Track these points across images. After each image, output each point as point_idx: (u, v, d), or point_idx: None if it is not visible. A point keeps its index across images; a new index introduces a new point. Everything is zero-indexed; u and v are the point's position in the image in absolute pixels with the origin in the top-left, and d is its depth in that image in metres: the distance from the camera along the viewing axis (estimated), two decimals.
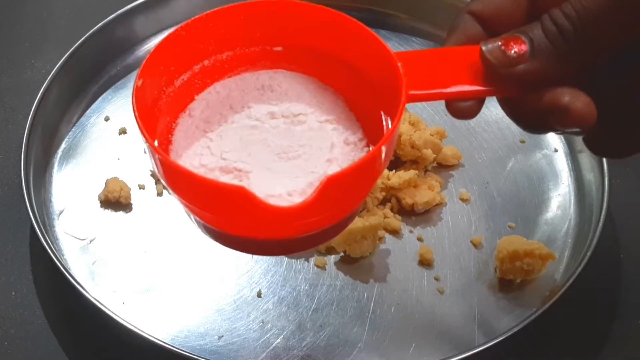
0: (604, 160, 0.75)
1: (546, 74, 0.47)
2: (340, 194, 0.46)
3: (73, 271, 0.69)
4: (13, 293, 0.70)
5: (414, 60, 0.49)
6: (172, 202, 0.75)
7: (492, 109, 0.84)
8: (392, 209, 0.75)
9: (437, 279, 0.71)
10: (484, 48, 0.48)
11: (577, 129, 0.47)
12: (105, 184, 0.75)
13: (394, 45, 0.89)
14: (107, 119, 0.81)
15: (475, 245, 0.73)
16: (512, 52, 0.47)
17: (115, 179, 0.75)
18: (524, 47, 0.47)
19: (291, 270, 0.71)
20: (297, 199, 0.47)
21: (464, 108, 0.50)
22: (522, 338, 0.66)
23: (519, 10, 0.50)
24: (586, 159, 0.78)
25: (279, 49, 0.53)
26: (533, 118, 0.49)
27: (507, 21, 0.50)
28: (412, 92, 0.48)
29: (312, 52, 0.53)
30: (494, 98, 0.50)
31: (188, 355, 0.63)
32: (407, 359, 0.66)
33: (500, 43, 0.47)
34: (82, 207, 0.74)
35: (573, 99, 0.46)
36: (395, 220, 0.74)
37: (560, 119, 0.47)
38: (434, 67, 0.49)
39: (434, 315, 0.69)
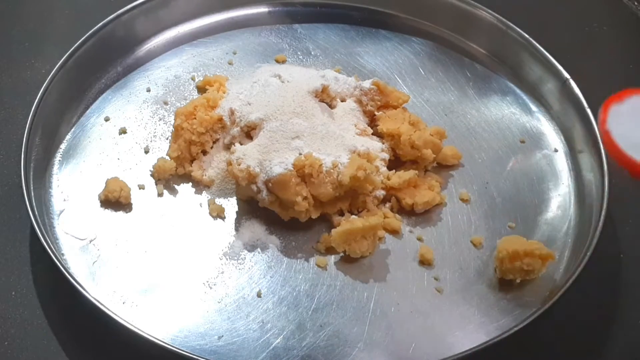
0: (604, 160, 0.75)
1: None
2: None
3: (73, 271, 0.69)
4: (13, 293, 0.70)
5: None
6: (172, 202, 0.75)
7: (492, 109, 0.84)
8: (392, 209, 0.75)
9: (436, 279, 0.71)
10: None
11: None
12: (105, 184, 0.75)
13: (394, 45, 0.89)
14: (107, 119, 0.81)
15: (475, 245, 0.73)
16: None
17: (115, 179, 0.75)
18: None
19: (291, 270, 0.71)
20: None
21: None
22: (522, 338, 0.66)
23: None
24: (586, 159, 0.78)
25: None
26: None
27: None
28: None
29: None
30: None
31: (188, 355, 0.63)
32: (407, 359, 0.66)
33: None
34: (82, 207, 0.74)
35: None
36: (395, 220, 0.74)
37: None
38: None
39: (433, 315, 0.69)
